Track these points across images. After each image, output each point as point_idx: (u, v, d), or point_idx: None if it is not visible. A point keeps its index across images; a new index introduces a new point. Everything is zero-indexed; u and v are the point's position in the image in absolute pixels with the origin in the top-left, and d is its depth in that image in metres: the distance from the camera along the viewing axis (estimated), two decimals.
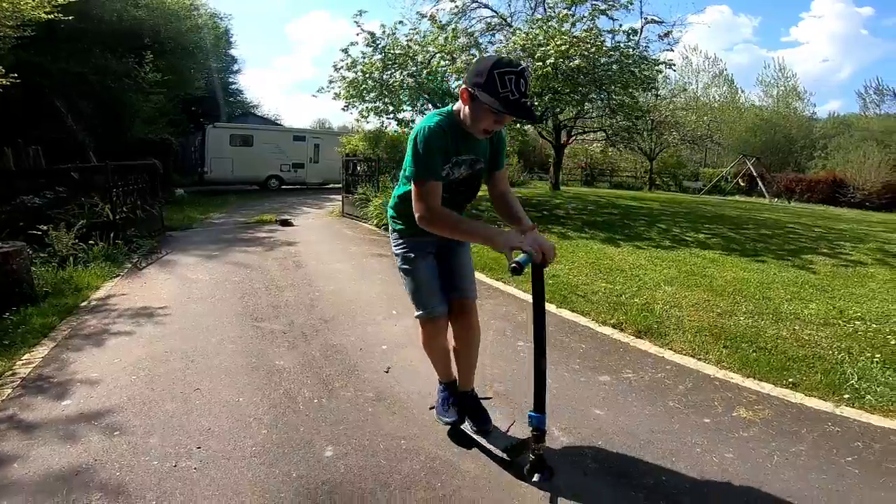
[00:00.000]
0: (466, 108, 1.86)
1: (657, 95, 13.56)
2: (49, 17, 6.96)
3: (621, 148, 17.75)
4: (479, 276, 4.81)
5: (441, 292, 2.13)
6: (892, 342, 3.40)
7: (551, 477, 1.94)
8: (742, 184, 24.03)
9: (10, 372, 2.89)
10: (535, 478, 1.93)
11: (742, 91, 34.76)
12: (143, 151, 11.85)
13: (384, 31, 10.18)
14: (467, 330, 2.20)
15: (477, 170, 2.06)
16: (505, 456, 2.06)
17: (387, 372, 2.96)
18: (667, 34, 10.61)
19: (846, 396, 2.73)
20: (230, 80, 22.90)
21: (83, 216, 6.41)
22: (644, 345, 3.44)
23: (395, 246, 2.21)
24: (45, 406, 2.52)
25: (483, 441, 2.19)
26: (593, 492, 1.92)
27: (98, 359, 3.10)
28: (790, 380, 2.91)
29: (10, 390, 2.67)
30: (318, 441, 2.22)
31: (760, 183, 22.19)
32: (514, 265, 1.65)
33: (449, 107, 1.97)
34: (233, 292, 4.63)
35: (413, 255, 2.12)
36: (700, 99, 32.17)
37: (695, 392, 2.77)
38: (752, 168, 22.91)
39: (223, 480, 1.96)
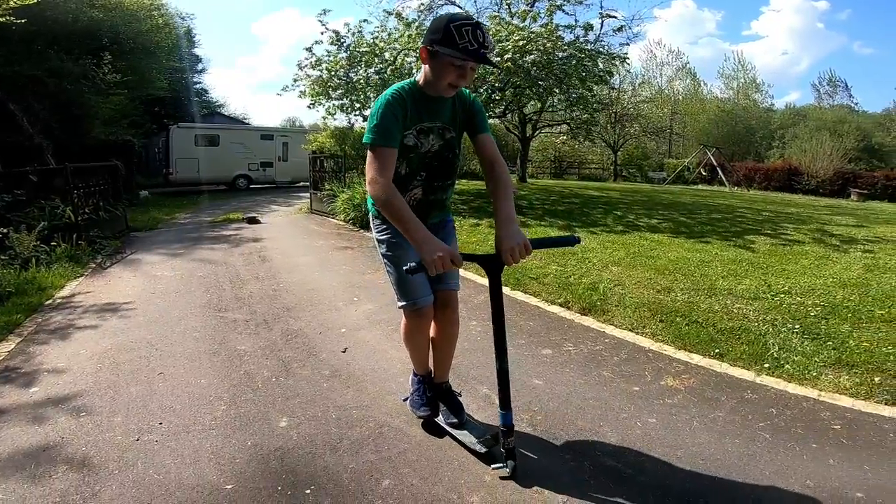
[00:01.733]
0: (427, 67, 1.83)
1: (612, 88, 13.95)
2: (1, 20, 6.83)
3: (582, 140, 18.27)
4: None
5: (427, 283, 2.04)
6: (813, 313, 3.68)
7: (514, 470, 1.93)
8: (704, 173, 24.86)
9: None
10: (493, 467, 1.96)
11: (705, 83, 35.91)
12: (104, 153, 11.66)
13: (349, 30, 10.28)
14: (450, 324, 2.16)
15: (448, 139, 1.98)
16: (478, 448, 2.05)
17: (343, 352, 3.14)
18: (620, 29, 10.98)
19: (766, 366, 2.92)
20: (195, 79, 22.60)
21: (44, 218, 6.38)
22: (587, 321, 3.70)
23: (377, 232, 2.09)
24: (13, 393, 2.63)
25: (457, 434, 2.17)
26: (525, 451, 2.10)
27: (64, 350, 3.20)
28: (717, 351, 3.13)
29: None
30: (274, 414, 2.39)
31: (721, 172, 23.00)
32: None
33: (413, 77, 1.94)
34: (197, 287, 4.74)
35: (398, 241, 2.01)
36: (664, 92, 33.13)
37: (628, 363, 3.00)
38: (712, 158, 23.71)
39: (182, 450, 2.11)
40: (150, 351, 3.16)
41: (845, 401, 2.53)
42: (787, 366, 2.92)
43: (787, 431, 2.27)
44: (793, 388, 2.68)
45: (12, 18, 7.01)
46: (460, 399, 2.30)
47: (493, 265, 1.81)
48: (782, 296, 4.04)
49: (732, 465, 2.01)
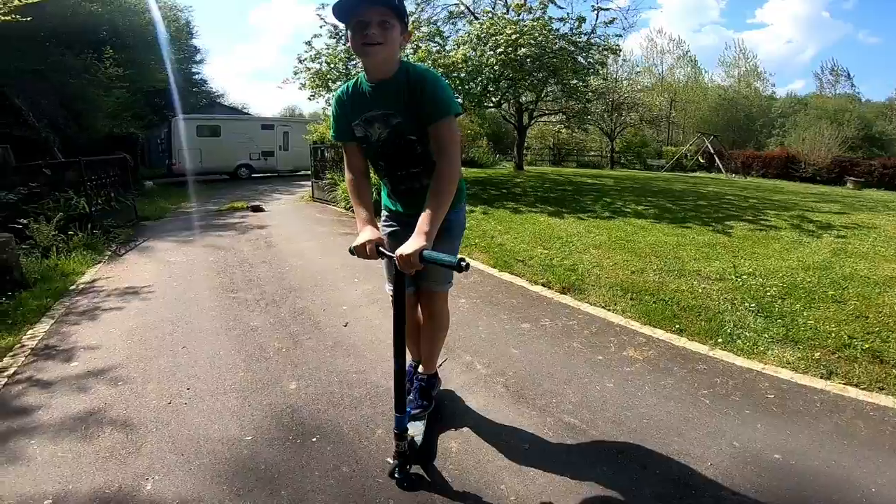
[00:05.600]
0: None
1: (605, 79, 14.18)
2: (6, 18, 7.00)
3: (575, 128, 18.55)
4: None
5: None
6: (771, 293, 3.99)
7: (404, 477, 1.95)
8: (702, 161, 25.09)
9: (20, 345, 3.34)
10: (388, 458, 2.04)
11: (706, 71, 36.06)
12: (109, 146, 11.97)
13: None
14: (429, 319, 2.27)
15: (394, 125, 1.87)
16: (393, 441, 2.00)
17: (345, 326, 3.52)
18: (611, 21, 11.20)
19: (720, 340, 3.19)
20: (194, 70, 22.75)
21: (60, 209, 6.74)
22: (566, 299, 4.06)
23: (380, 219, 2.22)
24: (56, 368, 2.99)
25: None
26: (498, 408, 2.47)
27: (95, 330, 3.57)
28: (678, 326, 3.43)
29: (23, 358, 3.12)
30: (285, 378, 2.77)
31: (717, 159, 23.22)
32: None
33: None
34: (209, 270, 5.13)
35: (388, 231, 2.16)
36: (665, 79, 33.26)
37: (597, 336, 3.34)
38: (709, 146, 23.93)
39: (208, 410, 2.48)
40: (173, 328, 3.54)
41: (785, 373, 2.79)
42: (738, 341, 3.19)
43: (726, 399, 2.52)
44: (740, 361, 2.94)
45: (17, 17, 7.15)
46: (423, 400, 2.37)
47: (395, 265, 1.75)
48: (746, 277, 4.39)
49: (672, 425, 2.28)
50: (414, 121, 1.83)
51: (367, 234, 1.81)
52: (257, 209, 9.74)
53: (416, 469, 2.01)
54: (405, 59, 2.04)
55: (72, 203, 7.04)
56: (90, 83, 11.73)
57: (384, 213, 2.23)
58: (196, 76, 23.37)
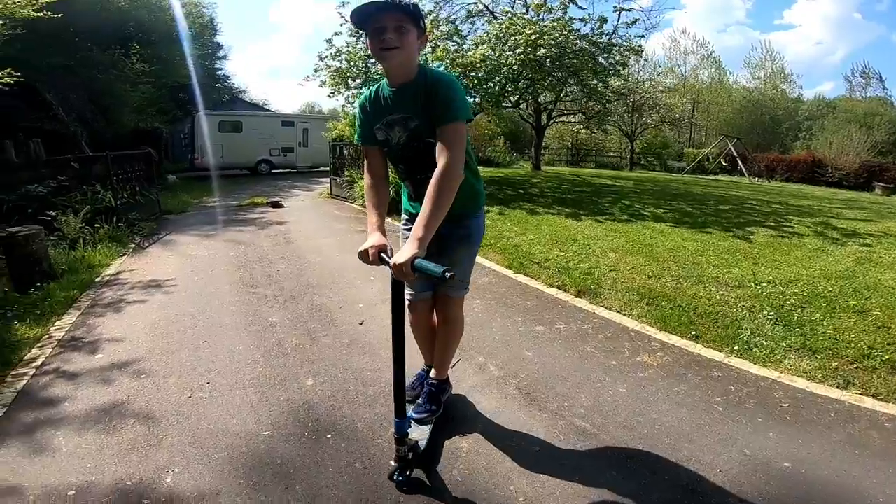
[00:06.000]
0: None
1: (626, 80, 14.05)
2: (38, 15, 7.17)
3: (595, 129, 18.42)
4: None
5: (423, 281, 2.07)
6: (790, 302, 3.93)
7: (404, 480, 1.97)
8: (724, 163, 24.65)
9: (47, 336, 3.46)
10: (392, 461, 2.01)
11: (731, 73, 35.38)
12: (134, 140, 12.23)
13: None
14: (443, 323, 2.32)
15: (412, 129, 1.90)
16: (395, 445, 2.01)
17: (361, 324, 3.58)
18: (634, 22, 11.08)
19: (736, 348, 3.17)
20: (216, 66, 23.09)
21: (87, 202, 6.93)
22: (581, 302, 4.05)
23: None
24: (82, 360, 3.08)
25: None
26: (510, 410, 2.48)
27: (119, 322, 3.68)
28: (694, 333, 3.41)
29: (50, 349, 3.23)
30: (302, 375, 2.83)
31: (740, 162, 22.79)
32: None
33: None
34: (230, 265, 5.24)
35: (406, 236, 2.12)
36: (688, 80, 32.75)
37: (611, 340, 3.33)
38: (732, 148, 23.49)
39: (227, 404, 2.54)
40: (194, 322, 3.63)
41: (801, 382, 2.77)
42: (755, 349, 3.16)
43: (739, 406, 2.51)
44: (756, 370, 2.92)
45: (48, 13, 7.30)
46: (432, 405, 2.36)
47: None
48: (765, 285, 4.33)
49: (684, 432, 2.29)
50: (431, 123, 1.84)
51: (372, 239, 1.86)
52: (277, 205, 9.87)
53: (417, 473, 2.03)
54: (423, 60, 2.08)
55: (98, 196, 7.25)
56: (117, 78, 12.00)
57: (404, 216, 2.26)
58: (219, 72, 23.73)
